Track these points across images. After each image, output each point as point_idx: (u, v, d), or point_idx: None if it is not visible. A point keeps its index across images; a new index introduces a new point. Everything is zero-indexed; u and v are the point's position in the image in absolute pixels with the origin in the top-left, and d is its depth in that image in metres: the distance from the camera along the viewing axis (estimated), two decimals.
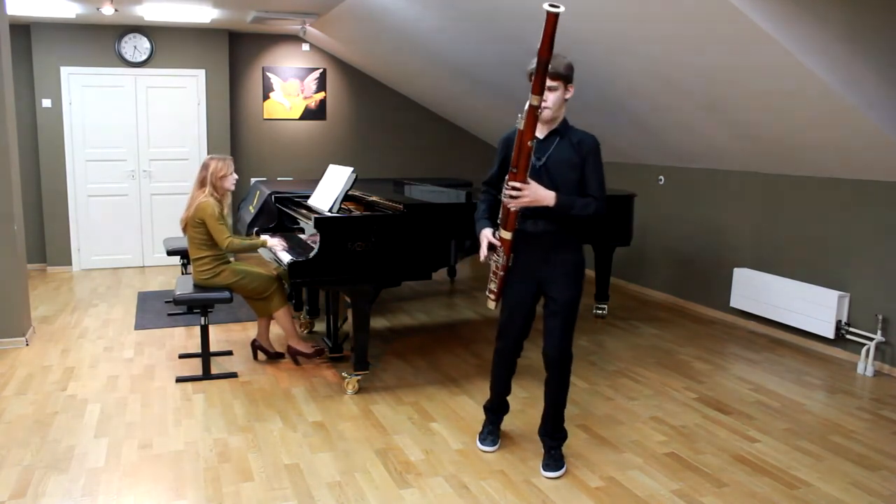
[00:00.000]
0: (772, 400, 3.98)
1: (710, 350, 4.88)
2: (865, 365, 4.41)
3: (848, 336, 4.66)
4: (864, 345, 4.48)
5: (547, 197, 2.77)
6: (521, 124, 2.66)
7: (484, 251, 2.94)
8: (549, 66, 2.62)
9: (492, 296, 3.02)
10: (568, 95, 2.82)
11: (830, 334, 4.68)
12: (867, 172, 4.46)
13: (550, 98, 2.75)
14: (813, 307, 4.77)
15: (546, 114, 2.77)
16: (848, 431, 3.57)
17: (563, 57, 2.77)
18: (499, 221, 2.88)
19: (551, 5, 2.45)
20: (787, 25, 3.51)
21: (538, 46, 2.55)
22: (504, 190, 2.79)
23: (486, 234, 2.94)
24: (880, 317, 4.45)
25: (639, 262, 6.64)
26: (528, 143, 2.67)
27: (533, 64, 2.65)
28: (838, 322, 4.65)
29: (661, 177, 6.32)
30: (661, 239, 6.37)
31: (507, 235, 2.85)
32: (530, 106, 2.62)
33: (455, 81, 6.99)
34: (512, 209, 2.79)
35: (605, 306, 5.68)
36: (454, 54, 6.17)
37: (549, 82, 2.70)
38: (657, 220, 6.37)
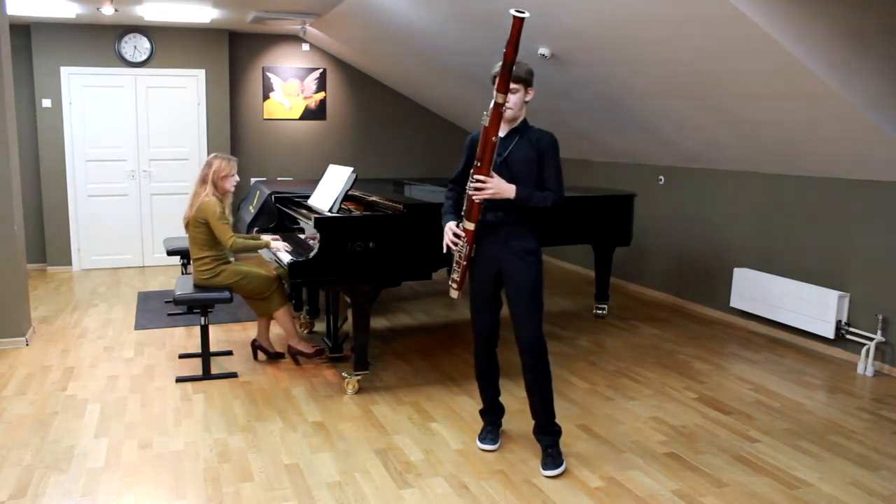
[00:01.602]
0: (772, 400, 3.98)
1: (710, 350, 4.88)
2: (865, 365, 4.41)
3: (848, 336, 4.66)
4: (864, 345, 4.48)
5: (508, 189, 2.94)
6: (486, 121, 2.84)
7: (447, 241, 3.09)
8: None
9: (454, 285, 3.14)
10: (528, 98, 3.01)
11: (830, 334, 4.68)
12: (867, 172, 4.46)
13: (512, 99, 2.92)
14: (813, 307, 4.77)
15: (508, 113, 2.94)
16: (848, 431, 3.57)
17: (525, 63, 2.97)
18: (463, 213, 3.02)
19: (517, 11, 2.66)
20: (788, 26, 3.51)
21: (504, 48, 2.73)
22: (469, 182, 2.95)
23: (451, 226, 3.11)
24: (880, 317, 4.45)
25: (639, 262, 6.64)
26: (493, 138, 2.86)
27: (496, 68, 2.85)
28: (838, 322, 4.65)
29: (661, 177, 6.32)
30: (661, 239, 6.37)
31: (470, 226, 3.01)
32: (495, 103, 2.82)
33: (455, 81, 6.99)
34: (476, 201, 2.95)
35: (605, 306, 5.68)
36: (454, 54, 6.17)
37: (510, 84, 2.87)
38: (657, 220, 6.37)
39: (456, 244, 3.06)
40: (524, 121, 3.06)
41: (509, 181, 2.96)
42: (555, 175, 3.03)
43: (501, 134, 3.00)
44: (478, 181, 2.90)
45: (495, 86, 2.80)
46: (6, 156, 4.64)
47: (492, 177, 2.90)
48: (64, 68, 7.15)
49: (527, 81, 2.97)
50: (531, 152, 3.01)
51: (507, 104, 2.87)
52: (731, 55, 3.92)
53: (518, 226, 3.04)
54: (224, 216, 4.12)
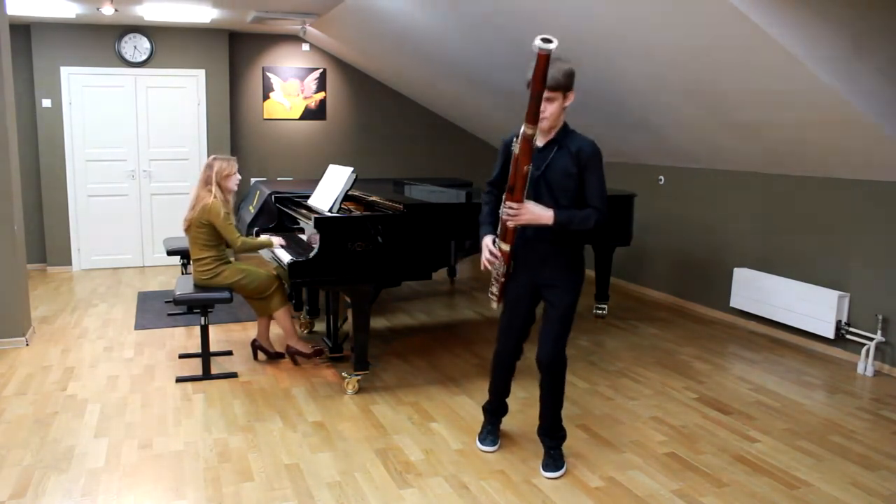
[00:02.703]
0: (772, 400, 3.98)
1: (710, 350, 4.88)
2: (865, 365, 4.41)
3: (848, 336, 4.66)
4: (864, 345, 4.48)
5: (544, 216, 2.77)
6: (516, 149, 2.66)
7: (485, 260, 2.95)
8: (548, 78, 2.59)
9: (494, 297, 3.07)
10: (567, 103, 2.77)
11: (830, 334, 4.68)
12: (867, 172, 4.46)
13: (548, 109, 2.71)
14: (813, 307, 4.77)
15: (544, 124, 2.74)
16: (848, 431, 3.57)
17: (564, 62, 2.71)
18: (498, 233, 2.90)
19: (543, 39, 2.42)
20: (788, 26, 3.51)
21: (530, 77, 2.53)
22: (502, 207, 2.80)
23: (487, 243, 2.95)
24: (880, 317, 4.45)
25: (639, 262, 6.64)
26: (525, 168, 2.67)
27: (531, 72, 2.63)
28: (838, 322, 4.65)
29: (661, 177, 6.32)
30: (661, 239, 6.37)
31: (506, 247, 2.88)
32: (524, 134, 2.60)
33: (455, 81, 6.99)
34: (510, 226, 2.81)
35: (605, 306, 5.68)
36: (454, 54, 6.17)
37: (547, 93, 2.63)
38: (657, 220, 6.37)
39: (493, 263, 2.93)
40: (564, 127, 2.84)
41: (548, 196, 2.81)
42: (598, 189, 2.81)
43: (539, 144, 2.80)
44: (510, 208, 2.75)
45: (525, 113, 2.59)
46: (6, 156, 4.64)
47: (523, 204, 2.73)
48: (64, 68, 7.15)
49: (566, 86, 2.69)
50: (571, 165, 2.79)
51: (542, 115, 2.66)
52: (732, 55, 3.92)
53: (559, 243, 2.89)
54: (229, 217, 4.13)
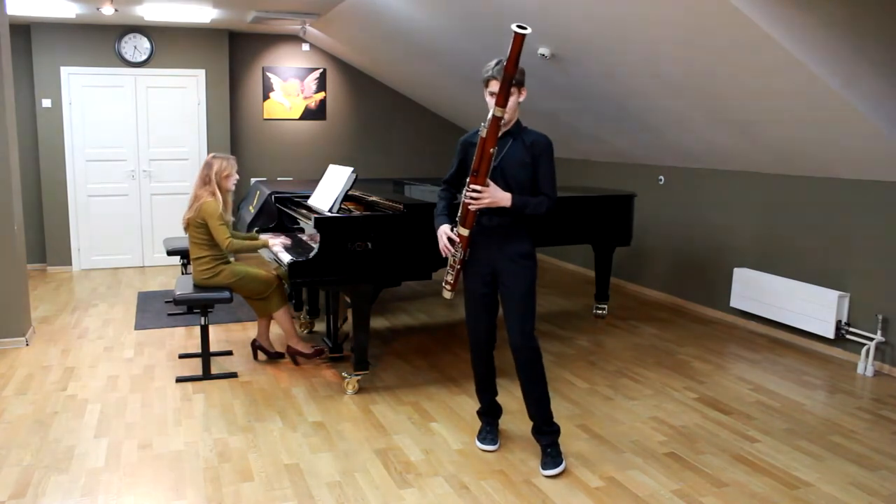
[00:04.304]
0: (772, 400, 3.98)
1: (710, 350, 4.88)
2: (865, 365, 4.41)
3: (848, 336, 4.66)
4: (864, 345, 4.48)
5: (504, 198, 2.94)
6: (483, 132, 2.84)
7: (443, 245, 3.09)
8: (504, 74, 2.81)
9: (448, 286, 3.15)
10: (521, 98, 2.97)
11: (830, 334, 4.68)
12: (867, 172, 4.46)
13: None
14: (813, 307, 4.78)
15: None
16: (848, 431, 3.57)
17: None
18: (458, 219, 3.03)
19: (519, 27, 2.64)
20: (788, 25, 3.51)
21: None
22: (465, 192, 2.94)
23: (445, 231, 3.10)
24: (880, 317, 4.45)
25: (639, 262, 6.64)
26: (490, 150, 2.85)
27: (488, 72, 2.90)
28: (838, 322, 4.65)
29: (661, 177, 6.32)
30: (661, 239, 6.37)
31: (465, 232, 3.02)
32: (494, 117, 2.80)
33: (455, 81, 6.99)
34: (472, 210, 2.95)
35: (605, 306, 5.68)
36: (454, 54, 6.17)
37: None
38: (657, 220, 6.37)
39: (450, 249, 3.06)
40: (518, 122, 3.04)
41: (503, 185, 2.96)
42: (549, 179, 3.03)
43: None
44: (474, 191, 2.90)
45: (494, 99, 2.79)
46: (6, 156, 4.64)
47: (488, 186, 2.90)
48: (64, 68, 7.15)
49: (520, 83, 2.92)
50: (525, 156, 3.00)
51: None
52: (732, 55, 3.92)
53: (513, 229, 3.05)
54: (222, 218, 4.12)
